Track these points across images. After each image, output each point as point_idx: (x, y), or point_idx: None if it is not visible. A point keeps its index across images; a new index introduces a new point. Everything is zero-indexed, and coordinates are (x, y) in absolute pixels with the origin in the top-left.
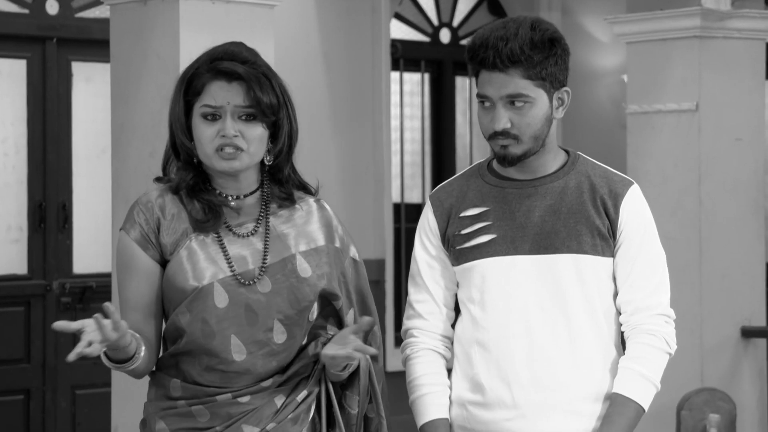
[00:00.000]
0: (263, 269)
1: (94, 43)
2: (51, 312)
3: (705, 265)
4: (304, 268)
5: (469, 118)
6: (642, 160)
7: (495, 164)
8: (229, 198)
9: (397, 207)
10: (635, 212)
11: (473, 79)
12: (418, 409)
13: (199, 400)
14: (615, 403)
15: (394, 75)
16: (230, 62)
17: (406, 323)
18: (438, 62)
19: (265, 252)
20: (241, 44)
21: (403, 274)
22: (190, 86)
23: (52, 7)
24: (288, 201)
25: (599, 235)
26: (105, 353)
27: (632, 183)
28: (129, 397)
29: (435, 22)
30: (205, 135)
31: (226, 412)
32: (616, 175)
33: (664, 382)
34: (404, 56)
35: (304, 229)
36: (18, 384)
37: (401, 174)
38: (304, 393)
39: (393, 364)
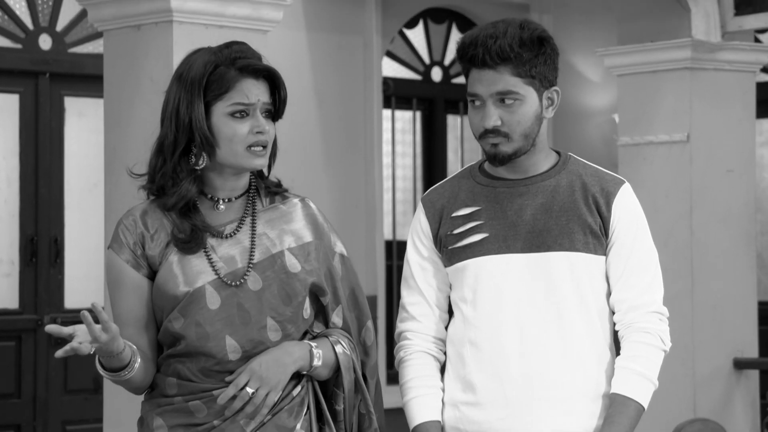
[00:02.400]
0: (251, 266)
1: (87, 78)
2: (42, 347)
3: (697, 295)
4: (293, 263)
5: (461, 155)
6: (633, 191)
7: (486, 165)
8: (219, 201)
9: (389, 244)
10: (627, 210)
11: (464, 117)
12: (410, 412)
13: (195, 395)
14: (615, 403)
15: (386, 112)
16: (254, 60)
17: (400, 326)
18: (429, 100)
19: (252, 249)
20: (245, 43)
21: (394, 312)
22: (208, 86)
23: (45, 42)
24: (278, 192)
25: (591, 233)
26: (100, 362)
27: (623, 182)
28: (120, 427)
29: (426, 60)
30: (239, 132)
31: (222, 407)
32: (607, 174)
33: (656, 413)
34: (396, 94)
35: (290, 226)
36: (8, 419)
37: (393, 211)
38: (298, 387)
39: (388, 401)
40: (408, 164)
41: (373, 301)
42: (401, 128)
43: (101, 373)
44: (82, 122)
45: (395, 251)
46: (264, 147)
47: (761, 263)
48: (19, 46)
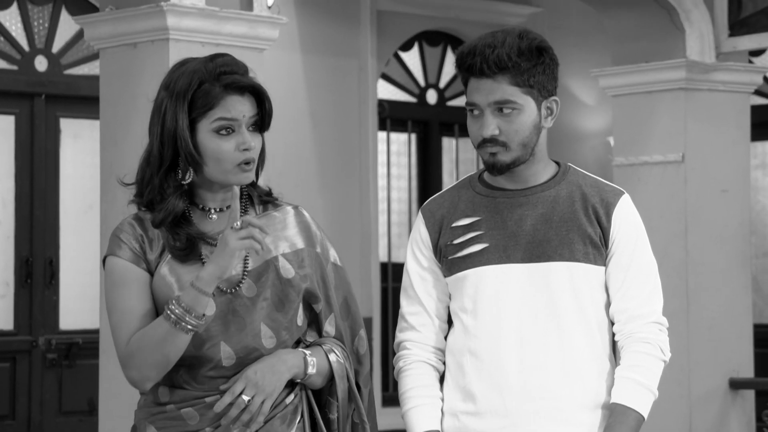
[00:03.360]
0: (246, 272)
1: (83, 100)
2: (37, 368)
3: (692, 315)
4: (287, 269)
5: (456, 178)
6: None
7: (486, 175)
8: (211, 211)
9: (384, 266)
10: (627, 221)
11: (460, 140)
12: (410, 421)
13: (187, 402)
14: (615, 412)
15: (381, 134)
16: (238, 75)
17: (399, 336)
18: (425, 122)
19: (246, 256)
20: (230, 55)
21: (389, 334)
22: (193, 102)
23: (41, 64)
24: (270, 200)
25: (591, 243)
26: (181, 300)
27: (623, 192)
28: None
29: (422, 83)
30: (225, 149)
31: (215, 414)
32: (607, 185)
33: None
34: (391, 116)
35: (282, 233)
36: None
37: (388, 233)
38: (291, 395)
39: (382, 423)
40: (403, 186)
41: (368, 323)
42: (396, 150)
43: (174, 315)
44: (78, 144)
45: (390, 273)
46: (252, 162)
47: (756, 286)
48: (15, 67)
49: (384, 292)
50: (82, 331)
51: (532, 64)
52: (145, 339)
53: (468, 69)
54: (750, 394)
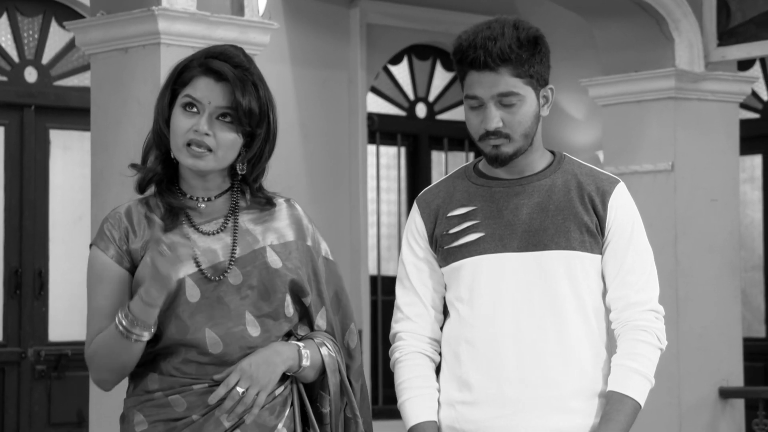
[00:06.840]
0: (233, 261)
1: (72, 111)
2: (26, 379)
3: (682, 324)
4: (274, 259)
5: None
6: None
7: (481, 165)
8: (199, 200)
9: (373, 279)
10: (623, 209)
11: (449, 153)
12: (406, 412)
13: (175, 390)
14: (612, 400)
15: (371, 148)
16: (222, 62)
17: (395, 326)
18: (414, 136)
19: (233, 245)
20: (240, 49)
21: (380, 347)
22: (179, 76)
23: (30, 75)
24: (267, 204)
25: (588, 231)
26: (126, 316)
27: (618, 181)
28: None
29: (411, 96)
30: (180, 126)
31: (202, 401)
32: (602, 173)
33: None
34: (380, 129)
35: (272, 224)
36: None
37: (377, 246)
38: (281, 387)
39: None
40: (392, 200)
41: (358, 336)
42: (386, 164)
43: (122, 326)
44: (67, 155)
45: (380, 286)
46: (209, 150)
47: (744, 299)
48: (4, 78)
49: (373, 305)
50: (72, 342)
51: (531, 54)
52: (101, 345)
53: (471, 63)
54: (740, 404)
